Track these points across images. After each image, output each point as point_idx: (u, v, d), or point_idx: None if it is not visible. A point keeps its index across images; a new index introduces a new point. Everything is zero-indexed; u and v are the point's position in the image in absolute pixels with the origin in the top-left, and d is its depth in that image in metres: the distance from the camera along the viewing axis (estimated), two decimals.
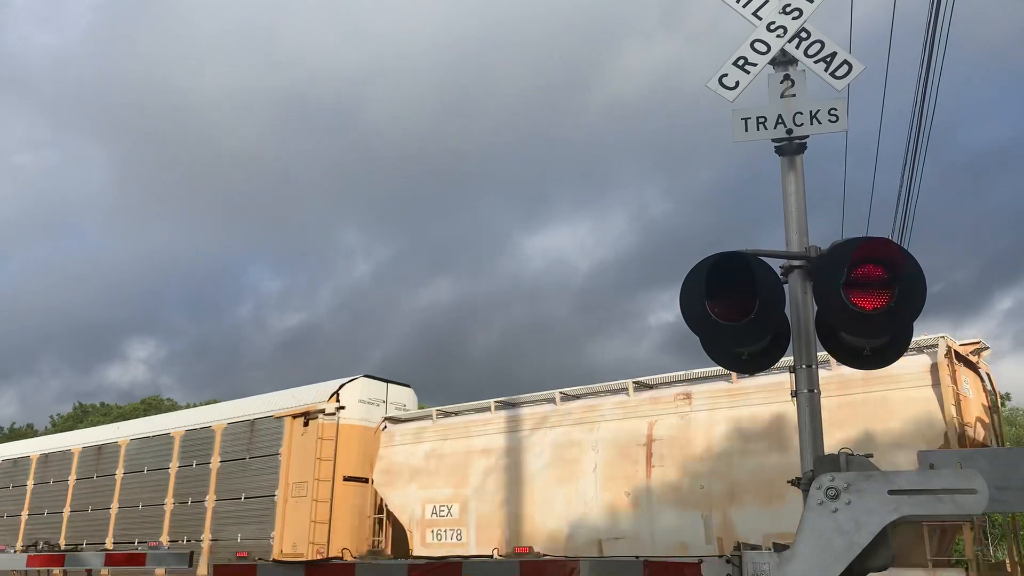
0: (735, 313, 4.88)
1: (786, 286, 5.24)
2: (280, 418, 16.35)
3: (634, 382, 12.82)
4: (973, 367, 11.27)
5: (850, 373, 10.44)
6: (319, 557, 13.19)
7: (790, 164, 5.57)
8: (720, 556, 4.68)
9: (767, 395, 11.21)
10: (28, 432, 55.92)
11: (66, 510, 20.50)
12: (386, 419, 16.04)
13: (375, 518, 15.64)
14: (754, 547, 4.57)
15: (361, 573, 5.44)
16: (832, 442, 10.38)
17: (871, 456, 4.61)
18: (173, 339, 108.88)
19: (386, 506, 15.32)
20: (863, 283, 4.73)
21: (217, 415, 18.20)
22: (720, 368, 10.74)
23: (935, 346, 10.49)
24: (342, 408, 15.85)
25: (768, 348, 5.33)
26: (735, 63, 5.73)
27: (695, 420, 11.86)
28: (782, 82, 5.65)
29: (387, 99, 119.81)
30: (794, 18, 5.69)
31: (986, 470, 4.28)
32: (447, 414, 15.20)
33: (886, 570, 4.44)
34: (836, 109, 5.49)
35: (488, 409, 14.45)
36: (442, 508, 14.24)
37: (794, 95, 5.59)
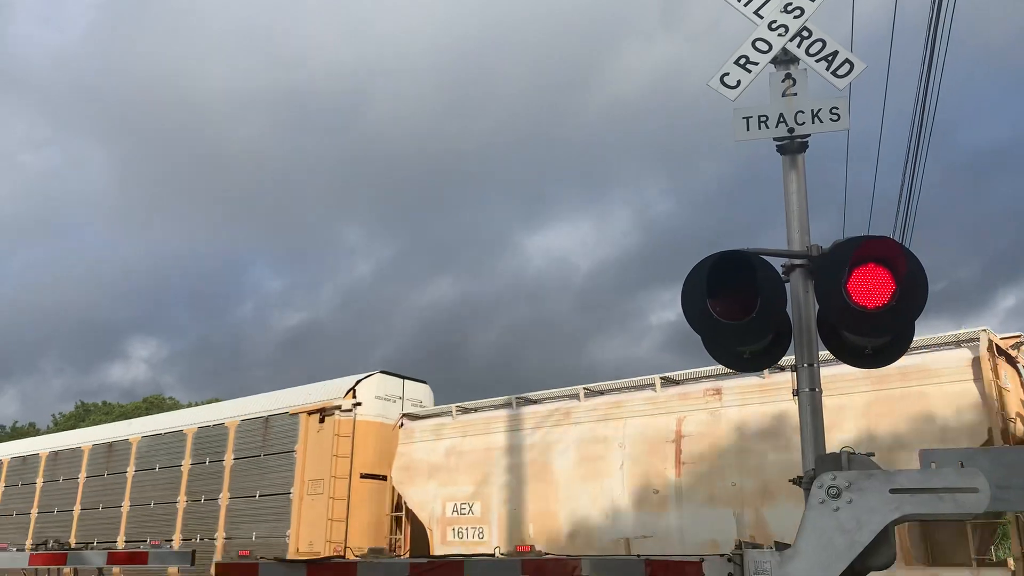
0: (737, 312, 4.89)
1: (788, 285, 5.24)
2: (295, 414, 16.10)
3: (661, 377, 12.59)
4: (1012, 361, 10.98)
5: (887, 367, 10.48)
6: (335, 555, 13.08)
7: (792, 163, 5.57)
8: (722, 555, 4.68)
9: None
10: (30, 431, 55.99)
11: (76, 508, 20.26)
12: (404, 415, 15.85)
13: (393, 516, 15.44)
14: (755, 545, 4.57)
15: (363, 572, 5.45)
16: (869, 439, 10.18)
17: (872, 455, 4.61)
18: (175, 338, 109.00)
19: (405, 504, 15.08)
20: (865, 282, 4.73)
21: (230, 412, 17.96)
22: None
23: (976, 340, 10.27)
24: (359, 404, 15.65)
25: (770, 347, 5.33)
26: (736, 62, 5.73)
27: (726, 416, 11.58)
28: (783, 81, 5.65)
29: (389, 98, 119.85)
30: (795, 17, 5.69)
31: (988, 469, 4.28)
32: (466, 410, 14.98)
33: (887, 569, 4.45)
34: (837, 108, 5.49)
35: (509, 405, 14.26)
36: (463, 506, 14.03)
37: (795, 94, 5.59)
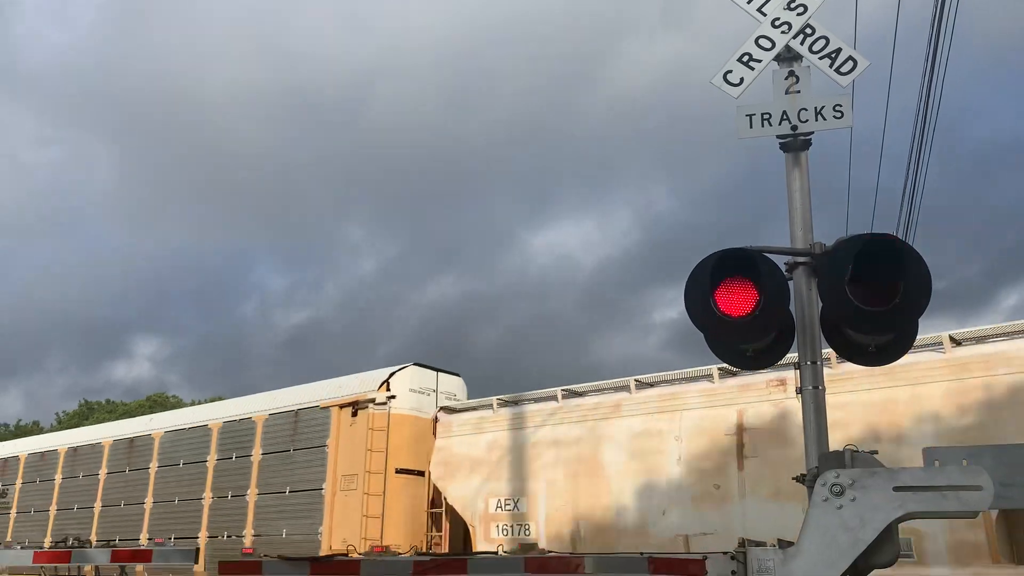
0: (740, 309, 4.89)
1: (791, 282, 5.23)
2: (327, 408, 15.73)
3: (719, 368, 12.27)
4: None
5: (967, 354, 10.24)
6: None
7: (795, 161, 5.57)
8: (725, 552, 4.68)
9: (872, 380, 10.57)
10: (34, 429, 56.10)
11: (97, 505, 20.07)
12: (442, 408, 15.51)
13: (431, 512, 15.10)
14: (758, 543, 4.57)
15: (366, 569, 5.46)
16: (948, 432, 9.87)
17: (876, 452, 4.61)
18: (178, 336, 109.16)
19: (445, 499, 14.78)
20: (868, 279, 4.73)
21: (257, 406, 17.58)
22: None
23: None
24: (393, 397, 15.26)
25: (773, 345, 5.33)
26: (740, 59, 5.73)
27: (792, 408, 11.02)
28: (787, 78, 5.65)
29: (391, 95, 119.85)
30: (799, 14, 5.69)
31: (991, 467, 4.28)
32: (507, 403, 14.69)
33: (890, 567, 4.44)
34: (841, 105, 5.49)
35: (554, 398, 13.92)
36: (507, 502, 13.68)
37: (799, 91, 5.59)
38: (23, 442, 26.19)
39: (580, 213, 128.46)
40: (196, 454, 17.86)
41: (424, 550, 14.30)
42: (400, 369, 15.70)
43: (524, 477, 13.57)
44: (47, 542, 20.20)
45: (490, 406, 14.74)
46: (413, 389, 15.63)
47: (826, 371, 11.41)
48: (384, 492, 14.70)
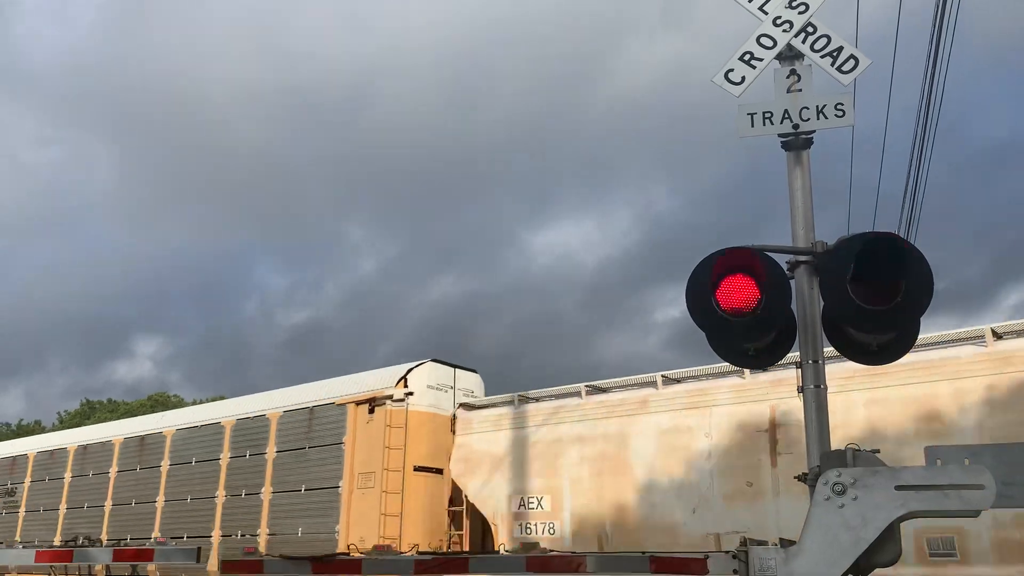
0: (742, 308, 4.89)
1: (792, 281, 5.23)
2: (343, 405, 15.49)
3: None
4: None
5: (1009, 347, 10.08)
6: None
7: (796, 159, 5.57)
8: (726, 552, 4.68)
9: (911, 375, 10.42)
10: (35, 429, 56.18)
11: (108, 504, 19.78)
12: (461, 405, 15.29)
13: (451, 511, 14.85)
14: (760, 543, 4.57)
15: (368, 568, 5.47)
16: (991, 427, 9.68)
17: (878, 452, 4.60)
18: (179, 336, 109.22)
19: (465, 497, 14.57)
20: (870, 278, 4.72)
21: (271, 403, 17.31)
22: None
23: None
24: (410, 394, 15.00)
25: (774, 344, 5.33)
26: (741, 58, 5.73)
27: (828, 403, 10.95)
28: (788, 77, 5.65)
29: (392, 95, 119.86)
30: (800, 13, 5.68)
31: (993, 466, 4.28)
32: (528, 400, 14.48)
33: (892, 566, 4.44)
34: (842, 104, 5.48)
35: (578, 394, 13.67)
36: (531, 500, 13.43)
37: (800, 90, 5.59)
38: (32, 440, 25.96)
39: (581, 213, 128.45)
40: (209, 452, 17.60)
41: (445, 549, 14.23)
42: (417, 365, 15.44)
43: (548, 475, 13.33)
44: (57, 541, 19.94)
45: (511, 402, 14.49)
46: (431, 386, 15.36)
47: (863, 367, 11.00)
48: (403, 490, 14.47)
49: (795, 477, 5.29)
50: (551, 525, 13.06)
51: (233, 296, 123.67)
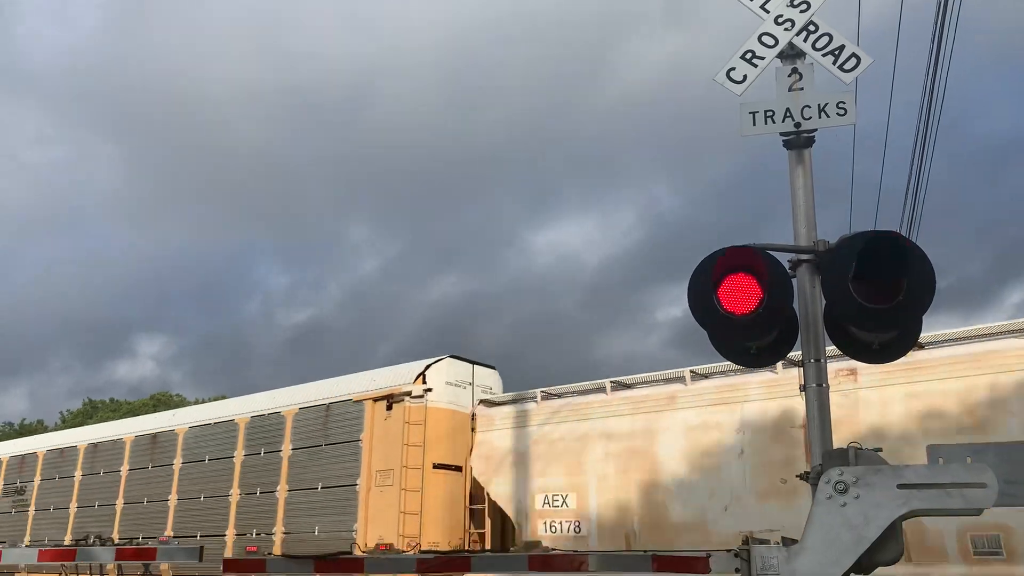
0: (743, 307, 4.89)
1: (794, 280, 5.23)
2: (359, 401, 15.27)
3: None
4: None
5: None
6: (409, 549, 12.52)
7: (798, 158, 5.57)
8: (728, 550, 4.68)
9: (952, 368, 10.22)
10: (38, 428, 56.27)
11: (119, 502, 19.46)
12: (481, 401, 15.16)
13: (472, 508, 14.68)
14: (762, 541, 4.57)
15: (370, 567, 5.48)
16: None
17: (880, 450, 4.60)
18: (181, 335, 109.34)
19: (488, 495, 14.37)
20: (871, 277, 4.72)
21: (286, 400, 17.02)
22: None
23: None
24: (429, 390, 14.83)
25: (776, 342, 5.33)
26: (742, 57, 5.73)
27: (864, 399, 10.71)
28: (790, 75, 5.64)
29: (393, 94, 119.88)
30: (802, 11, 5.68)
31: (995, 464, 4.27)
32: (552, 396, 14.23)
33: (894, 564, 4.44)
34: (844, 102, 5.48)
35: (603, 390, 13.40)
36: (555, 498, 13.23)
37: (802, 88, 5.58)
38: (41, 438, 25.77)
39: (582, 212, 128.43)
40: (222, 450, 17.39)
41: (465, 547, 14.16)
42: (436, 361, 15.28)
43: (572, 472, 13.15)
44: (68, 540, 19.78)
45: (534, 398, 14.32)
46: (449, 382, 15.21)
47: (902, 360, 10.69)
48: (422, 488, 14.31)
49: (797, 476, 5.29)
50: (576, 523, 12.87)
51: (234, 296, 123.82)
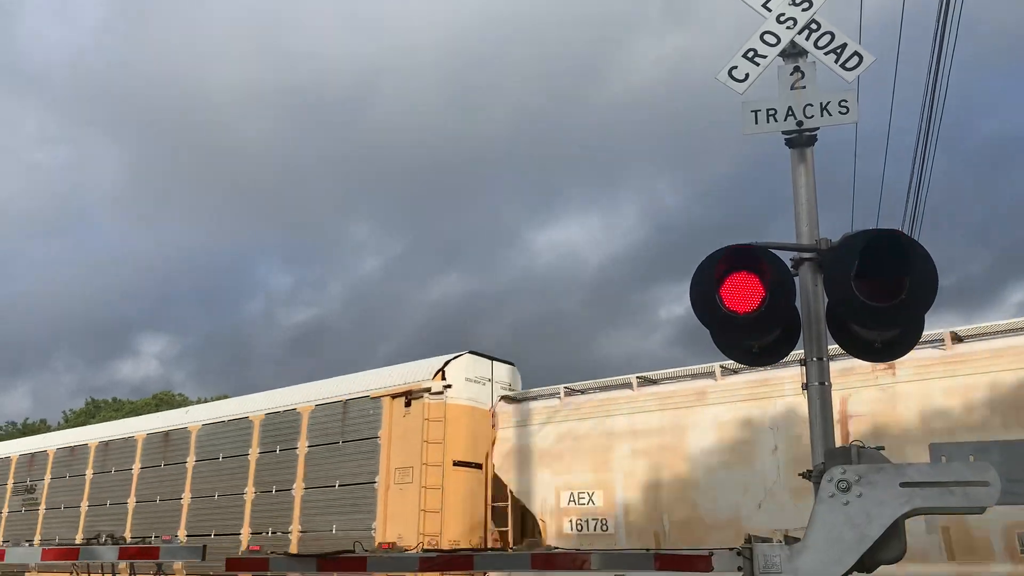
0: (745, 305, 4.89)
1: (796, 278, 5.23)
2: (377, 398, 15.12)
3: None
4: None
5: None
6: (431, 547, 12.27)
7: (800, 156, 5.57)
8: (731, 549, 4.68)
9: (994, 362, 9.98)
10: (41, 428, 56.35)
11: (131, 501, 19.42)
12: (502, 398, 15.00)
13: (494, 506, 14.49)
14: (764, 539, 4.57)
15: (373, 565, 5.48)
16: None
17: (882, 448, 4.60)
18: (184, 334, 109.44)
19: (511, 493, 14.09)
20: (874, 275, 4.72)
21: (302, 396, 16.82)
22: (932, 333, 9.94)
23: None
24: (449, 387, 14.69)
25: (778, 341, 5.33)
26: (745, 55, 5.73)
27: (902, 393, 10.49)
28: (792, 74, 5.65)
29: (395, 93, 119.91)
30: (804, 10, 5.68)
31: (999, 462, 4.27)
32: (575, 392, 14.14)
33: (897, 563, 4.44)
34: (846, 101, 5.48)
35: (629, 386, 13.20)
36: (581, 495, 13.05)
37: (804, 87, 5.59)
38: (51, 436, 25.65)
39: (585, 210, 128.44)
40: (237, 447, 17.21)
41: (487, 546, 14.03)
42: (455, 357, 15.11)
43: (598, 469, 12.97)
44: (79, 539, 19.64)
45: (557, 395, 14.18)
46: (469, 378, 15.04)
47: (940, 353, 10.47)
48: (443, 485, 14.14)
49: (799, 474, 5.29)
50: (603, 521, 12.67)
51: (237, 295, 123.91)
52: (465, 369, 15.04)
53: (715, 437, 11.97)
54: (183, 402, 51.82)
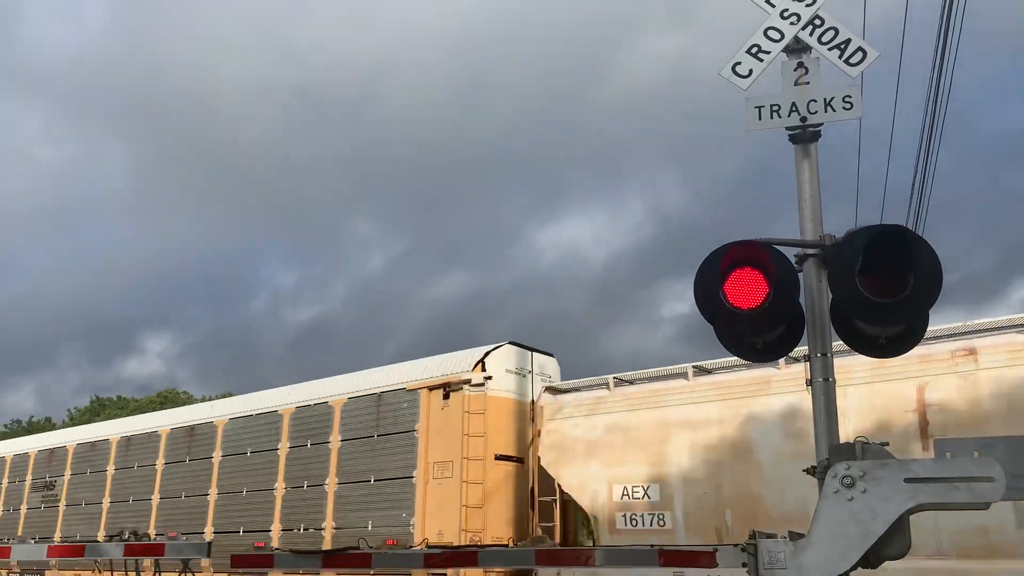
0: (749, 301, 4.89)
1: (800, 274, 5.23)
2: (414, 390, 14.64)
3: None
4: None
5: None
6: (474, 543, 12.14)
7: (804, 152, 5.56)
8: (735, 545, 4.69)
9: None
10: (46, 426, 56.51)
11: (155, 497, 18.96)
12: (547, 389, 14.61)
13: (542, 501, 14.06)
14: (769, 535, 4.57)
15: (377, 561, 5.49)
16: None
17: (887, 444, 4.60)
18: (189, 333, 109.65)
19: (559, 487, 13.66)
20: (878, 271, 4.71)
21: (333, 389, 16.28)
22: (1016, 316, 9.70)
23: None
24: (489, 378, 14.23)
25: (782, 337, 5.33)
26: (748, 51, 5.72)
27: (986, 380, 9.89)
28: (796, 70, 5.63)
29: (400, 91, 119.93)
30: (807, 5, 5.67)
31: (1003, 458, 4.26)
32: (625, 382, 13.56)
33: (901, 559, 4.44)
34: (850, 96, 5.47)
35: (684, 376, 12.71)
36: (636, 489, 12.53)
37: (808, 83, 5.57)
38: (71, 431, 25.37)
39: (589, 208, 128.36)
40: (265, 442, 16.83)
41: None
42: (495, 348, 14.68)
43: (653, 462, 12.50)
44: (100, 536, 19.41)
45: (606, 385, 13.70)
46: (509, 370, 14.62)
47: (990, 340, 10.03)
48: (485, 480, 13.74)
49: (804, 470, 5.29)
50: (660, 516, 12.19)
51: (242, 293, 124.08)
52: (505, 360, 14.64)
53: (781, 428, 11.42)
54: (188, 400, 51.95)
